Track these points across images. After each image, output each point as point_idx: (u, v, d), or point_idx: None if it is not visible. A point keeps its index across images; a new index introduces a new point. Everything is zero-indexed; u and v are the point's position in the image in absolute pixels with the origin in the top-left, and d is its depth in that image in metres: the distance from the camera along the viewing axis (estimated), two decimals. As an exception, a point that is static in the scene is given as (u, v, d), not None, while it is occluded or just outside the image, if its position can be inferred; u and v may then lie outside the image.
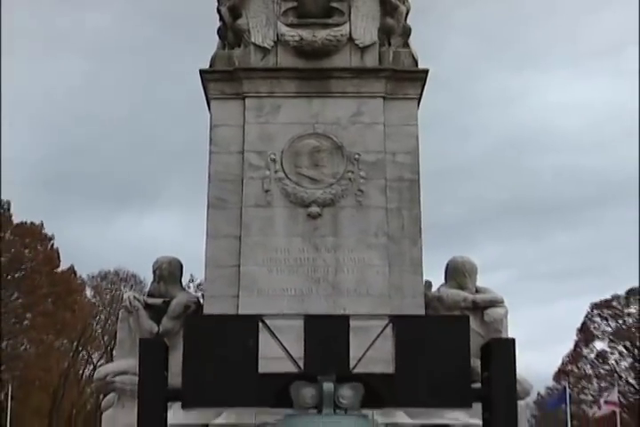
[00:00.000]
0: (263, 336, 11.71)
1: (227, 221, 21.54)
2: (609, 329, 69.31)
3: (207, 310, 21.01)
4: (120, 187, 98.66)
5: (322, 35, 21.75)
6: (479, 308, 21.72)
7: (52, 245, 60.24)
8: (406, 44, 22.45)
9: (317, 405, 11.31)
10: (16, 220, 58.41)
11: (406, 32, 22.48)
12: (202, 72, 22.18)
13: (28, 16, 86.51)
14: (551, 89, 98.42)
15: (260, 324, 11.79)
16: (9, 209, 58.11)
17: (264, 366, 11.74)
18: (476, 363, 11.89)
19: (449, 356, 11.47)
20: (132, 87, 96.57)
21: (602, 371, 68.73)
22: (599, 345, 69.53)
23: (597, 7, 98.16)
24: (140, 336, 19.85)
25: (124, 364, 21.58)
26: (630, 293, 67.91)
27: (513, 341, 12.17)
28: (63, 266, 60.73)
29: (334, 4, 21.94)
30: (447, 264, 22.71)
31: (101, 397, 24.80)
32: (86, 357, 66.17)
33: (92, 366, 61.37)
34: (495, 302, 22.16)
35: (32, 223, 59.14)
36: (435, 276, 22.49)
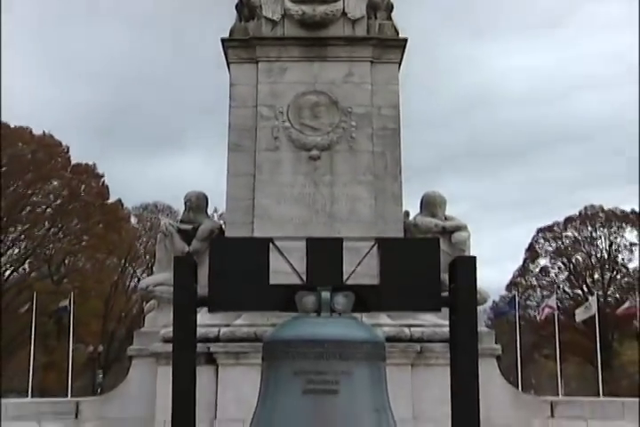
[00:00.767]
0: (273, 255, 11.74)
1: (243, 162, 21.53)
2: (550, 249, 69.54)
3: (228, 234, 21.09)
4: (157, 135, 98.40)
5: (320, 9, 21.59)
6: (447, 232, 21.77)
7: (103, 182, 60.16)
8: (389, 17, 22.33)
9: (317, 309, 11.38)
10: (74, 161, 58.30)
11: (389, 7, 22.36)
12: (223, 41, 22.13)
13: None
14: (502, 55, 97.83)
15: (271, 245, 11.82)
16: (68, 152, 57.95)
17: (274, 279, 11.78)
18: (444, 277, 11.94)
19: (423, 270, 11.49)
20: (165, 53, 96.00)
21: (544, 282, 69.06)
22: (542, 262, 69.86)
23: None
24: (174, 255, 19.93)
25: (162, 277, 21.66)
26: (567, 220, 68.09)
27: (474, 258, 12.20)
28: (112, 199, 60.76)
29: (330, -15, 21.76)
30: (422, 197, 22.71)
31: (144, 303, 24.88)
32: (132, 271, 66.36)
33: (136, 279, 61.56)
34: (460, 228, 22.20)
35: (87, 164, 59.02)
36: (411, 206, 22.58)
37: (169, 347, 12.67)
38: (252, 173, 21.44)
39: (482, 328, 18.10)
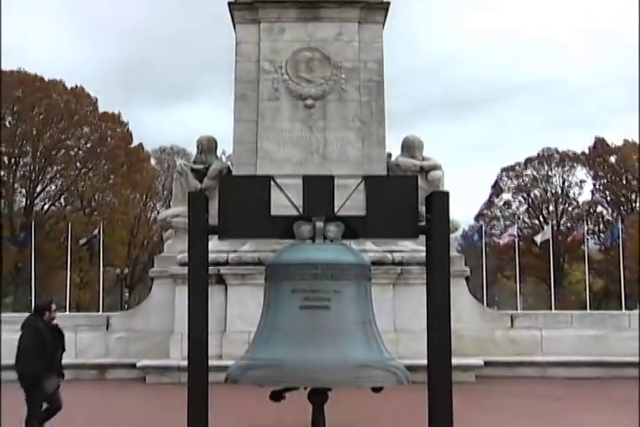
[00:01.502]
0: (274, 191, 11.71)
1: (248, 110, 21.43)
2: (512, 185, 69.43)
3: (235, 173, 21.03)
4: (173, 86, 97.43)
5: (314, -24, 21.24)
6: (424, 171, 21.72)
7: (127, 128, 59.70)
8: (375, -17, 21.94)
9: (312, 237, 11.39)
10: (101, 110, 57.77)
11: (374, -26, 21.96)
12: (229, 4, 21.87)
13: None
14: (468, 17, 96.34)
15: (272, 182, 11.78)
16: (96, 102, 57.37)
17: (274, 211, 11.76)
18: (421, 209, 11.92)
19: (403, 203, 11.48)
20: (180, 13, 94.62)
21: (507, 214, 69.14)
22: (505, 196, 69.79)
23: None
24: (189, 191, 19.89)
25: (178, 210, 21.65)
26: (528, 160, 67.88)
27: (447, 193, 12.16)
28: (135, 143, 60.35)
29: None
30: (402, 141, 22.63)
31: (163, 232, 24.89)
32: (152, 205, 66.29)
33: (156, 212, 61.51)
34: (436, 167, 22.15)
35: (113, 113, 58.48)
36: (393, 149, 22.51)
37: (185, 269, 12.72)
38: (256, 119, 21.34)
39: (453, 253, 18.16)
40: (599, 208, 67.50)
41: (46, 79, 54.74)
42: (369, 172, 19.51)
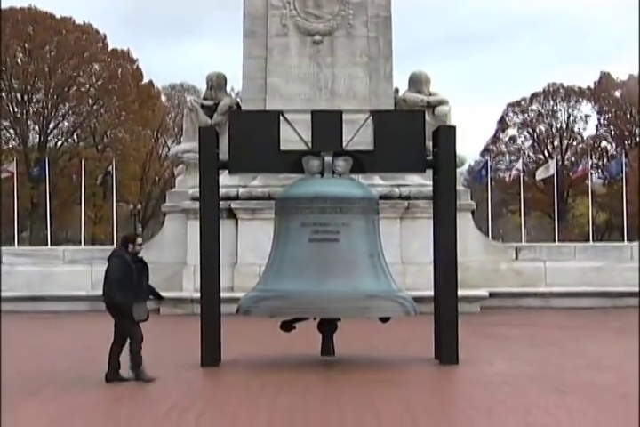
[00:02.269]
0: (283, 126, 11.63)
1: (256, 46, 21.18)
2: (518, 120, 68.80)
3: (244, 109, 20.88)
4: (183, 24, 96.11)
5: None
6: (431, 106, 21.53)
7: (137, 65, 59.05)
8: None
9: (321, 171, 11.37)
10: (111, 47, 57.07)
11: None
12: (237, -61, 21.32)
13: None
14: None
15: (281, 117, 11.69)
16: (105, 39, 56.64)
17: (283, 146, 11.72)
18: (428, 144, 11.84)
19: (410, 138, 11.41)
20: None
21: (512, 149, 68.69)
22: (511, 132, 69.19)
23: None
24: (199, 126, 19.77)
25: (189, 145, 21.58)
26: (533, 95, 67.13)
27: (454, 127, 12.09)
28: (145, 80, 59.76)
29: None
30: (409, 76, 22.38)
31: (175, 167, 24.87)
32: (163, 142, 66.06)
33: (167, 148, 61.32)
34: (442, 102, 21.95)
35: (122, 50, 57.79)
36: (401, 84, 22.28)
37: (196, 204, 12.74)
38: (264, 56, 21.11)
39: (459, 187, 18.09)
40: (603, 143, 67.06)
41: (57, 16, 54.04)
42: (376, 107, 19.31)
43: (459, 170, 19.54)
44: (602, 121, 66.58)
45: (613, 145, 66.20)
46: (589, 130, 67.34)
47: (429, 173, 11.84)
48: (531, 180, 53.95)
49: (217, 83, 22.47)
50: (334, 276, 10.81)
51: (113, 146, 58.04)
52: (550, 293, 20.12)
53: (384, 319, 11.33)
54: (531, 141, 69.27)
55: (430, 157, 11.72)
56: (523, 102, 68.44)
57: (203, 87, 24.65)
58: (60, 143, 57.72)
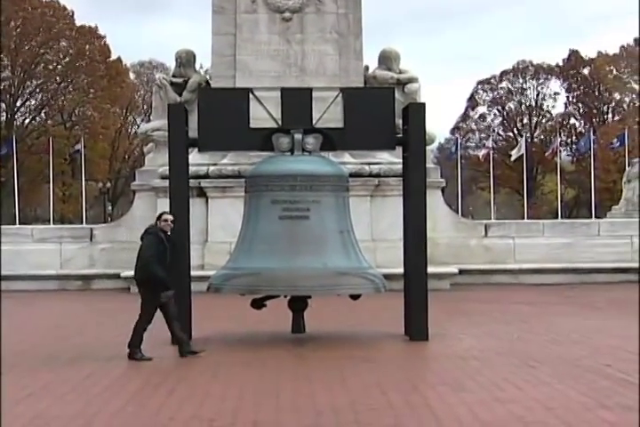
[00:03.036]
0: (253, 103, 11.57)
1: (226, 23, 21.01)
2: (488, 98, 69.07)
3: (214, 86, 20.73)
4: (152, 0, 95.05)
5: None
6: (401, 83, 21.50)
7: (105, 41, 58.40)
8: None
9: (291, 149, 11.34)
10: (78, 23, 56.34)
11: None
12: None
13: None
14: None
15: (250, 94, 11.63)
16: (72, 15, 55.91)
17: (253, 124, 11.67)
18: (398, 121, 11.84)
19: (380, 115, 11.40)
20: None
21: (482, 126, 68.98)
22: (481, 109, 69.44)
23: None
24: (168, 104, 19.62)
25: (159, 123, 21.40)
26: (503, 73, 67.34)
27: (424, 105, 12.09)
28: (113, 57, 59.13)
29: None
30: (379, 53, 22.30)
31: (144, 145, 24.68)
32: (132, 119, 65.55)
33: (136, 126, 60.86)
34: (412, 79, 21.93)
35: (90, 26, 57.10)
36: (371, 61, 22.21)
37: (166, 183, 12.68)
38: (234, 32, 20.94)
39: (429, 165, 18.14)
40: (572, 120, 67.49)
41: (22, -9, 53.21)
42: (346, 84, 19.26)
43: (428, 147, 19.62)
44: (570, 99, 66.97)
45: (582, 122, 66.65)
46: (558, 107, 67.78)
47: (399, 151, 11.85)
48: (500, 157, 54.27)
49: (186, 60, 22.29)
50: (304, 253, 10.82)
51: (81, 124, 57.55)
52: (519, 269, 20.29)
53: (355, 296, 11.38)
54: (500, 119, 69.56)
55: (400, 135, 11.73)
56: (492, 80, 68.65)
57: (172, 64, 24.47)
58: (27, 121, 57.08)
